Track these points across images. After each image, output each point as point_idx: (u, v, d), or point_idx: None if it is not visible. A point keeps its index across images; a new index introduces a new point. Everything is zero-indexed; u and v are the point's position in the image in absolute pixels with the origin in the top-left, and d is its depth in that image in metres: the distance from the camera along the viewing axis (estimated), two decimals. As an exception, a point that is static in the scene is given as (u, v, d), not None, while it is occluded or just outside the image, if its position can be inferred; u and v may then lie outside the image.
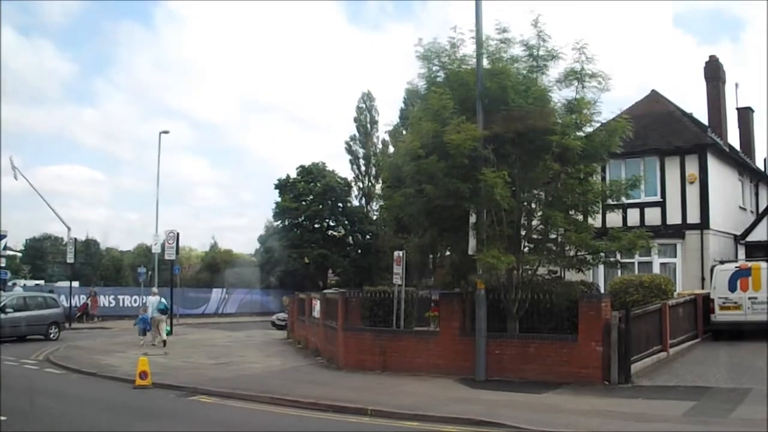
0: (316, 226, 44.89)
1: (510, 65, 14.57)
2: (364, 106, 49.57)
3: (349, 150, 49.52)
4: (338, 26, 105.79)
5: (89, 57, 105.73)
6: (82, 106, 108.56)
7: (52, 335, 25.15)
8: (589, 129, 14.75)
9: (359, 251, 45.74)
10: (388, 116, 69.82)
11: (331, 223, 45.90)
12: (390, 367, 15.42)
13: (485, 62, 14.98)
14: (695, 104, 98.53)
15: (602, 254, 14.45)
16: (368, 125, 49.45)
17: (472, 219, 14.44)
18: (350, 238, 45.99)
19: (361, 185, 49.21)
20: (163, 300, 24.41)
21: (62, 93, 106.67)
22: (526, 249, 15.07)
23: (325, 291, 35.98)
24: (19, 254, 59.97)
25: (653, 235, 15.13)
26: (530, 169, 14.45)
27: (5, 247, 37.32)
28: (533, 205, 14.96)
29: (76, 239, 32.06)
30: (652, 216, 21.80)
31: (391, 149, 50.03)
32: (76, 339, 25.39)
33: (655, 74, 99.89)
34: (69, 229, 59.94)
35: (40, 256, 64.57)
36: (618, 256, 15.01)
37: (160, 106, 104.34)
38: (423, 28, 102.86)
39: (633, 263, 20.51)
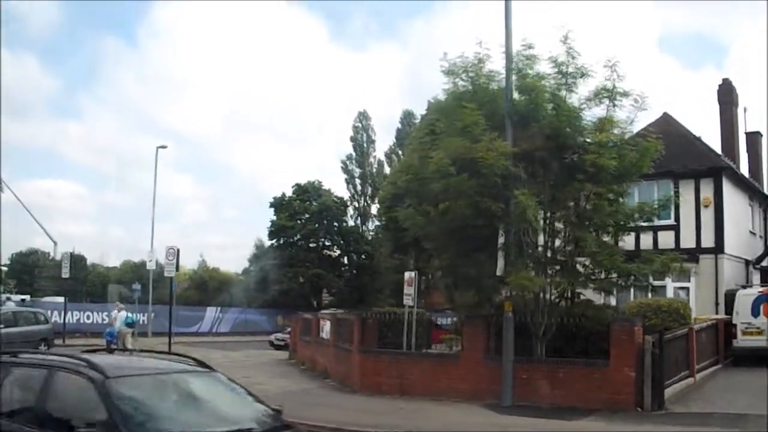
0: (311, 245, 44.29)
1: (537, 82, 14.27)
2: (360, 125, 49.40)
3: (345, 169, 49.23)
4: (320, 44, 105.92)
5: (73, 72, 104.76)
6: (65, 120, 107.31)
7: (41, 353, 24.26)
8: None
9: (354, 271, 45.14)
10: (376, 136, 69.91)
11: (327, 243, 45.31)
12: (409, 391, 14.84)
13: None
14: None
15: (632, 277, 14.06)
16: (365, 144, 49.19)
17: (501, 239, 14.00)
18: (345, 258, 45.43)
19: (357, 205, 48.80)
20: (129, 314, 24.70)
21: (46, 107, 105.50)
22: (550, 271, 14.67)
23: (324, 311, 35.41)
24: (5, 268, 58.59)
25: (687, 258, 14.77)
26: (559, 189, 14.10)
27: (11, 260, 36.55)
28: (560, 226, 14.56)
29: (71, 254, 31.19)
30: (666, 239, 21.50)
31: (387, 169, 49.88)
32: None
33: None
34: (55, 243, 58.48)
35: (27, 271, 63.28)
36: (650, 279, 14.60)
37: (145, 122, 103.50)
38: (407, 48, 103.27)
39: (647, 287, 20.19)
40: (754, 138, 27.00)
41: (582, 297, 14.80)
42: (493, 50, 14.68)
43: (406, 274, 19.49)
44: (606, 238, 14.69)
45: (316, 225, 43.82)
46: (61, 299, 38.90)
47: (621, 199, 14.47)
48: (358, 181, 48.88)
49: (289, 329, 33.38)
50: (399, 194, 37.82)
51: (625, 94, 14.00)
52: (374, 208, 48.27)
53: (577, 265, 14.38)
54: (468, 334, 14.68)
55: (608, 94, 14.08)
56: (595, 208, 14.08)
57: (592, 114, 14.56)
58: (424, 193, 14.96)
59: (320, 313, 22.26)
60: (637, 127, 19.38)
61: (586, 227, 13.93)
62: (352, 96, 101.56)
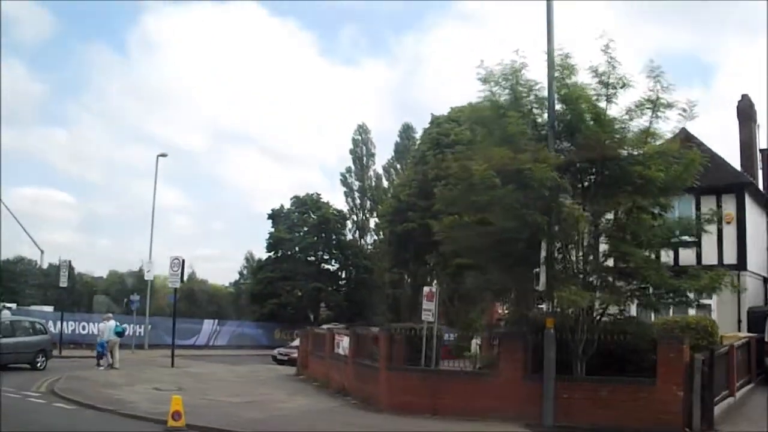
0: (310, 258, 43.58)
1: (581, 91, 13.88)
2: (359, 138, 49.04)
3: (345, 182, 48.76)
4: (309, 58, 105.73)
5: (60, 79, 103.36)
6: (52, 128, 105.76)
7: (39, 364, 23.08)
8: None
9: (353, 286, 44.47)
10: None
11: (325, 256, 44.63)
12: (442, 411, 14.22)
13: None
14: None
15: (678, 294, 13.64)
16: (364, 158, 48.75)
17: (542, 253, 13.52)
18: (343, 272, 44.77)
19: (355, 218, 48.26)
20: (118, 324, 24.83)
21: (33, 114, 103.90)
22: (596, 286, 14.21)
23: (326, 326, 34.72)
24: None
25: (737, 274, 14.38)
26: (601, 202, 13.69)
27: (6, 268, 35.45)
28: (601, 240, 14.14)
29: (70, 262, 30.27)
30: (687, 256, 21.12)
31: (386, 183, 49.50)
32: (68, 369, 23.43)
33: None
34: (42, 252, 57.17)
35: (13, 279, 61.72)
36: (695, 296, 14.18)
37: (133, 132, 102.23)
38: (397, 63, 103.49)
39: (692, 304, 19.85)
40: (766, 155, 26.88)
41: (626, 314, 14.34)
42: (519, 59, 14.33)
43: (425, 289, 19.01)
44: (645, 254, 14.27)
45: (315, 238, 43.21)
46: (48, 308, 37.88)
47: (664, 213, 14.08)
48: (357, 194, 48.38)
49: (292, 344, 32.67)
50: (401, 208, 37.66)
51: (669, 106, 13.65)
52: (372, 222, 47.94)
53: (622, 281, 13.94)
54: (505, 352, 14.13)
55: (651, 106, 13.73)
56: (638, 222, 13.71)
57: (633, 125, 14.22)
58: (463, 204, 14.44)
59: (336, 328, 21.59)
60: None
61: (630, 242, 13.49)
62: (342, 110, 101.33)
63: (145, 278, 34.53)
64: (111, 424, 13.45)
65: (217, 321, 40.00)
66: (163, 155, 34.10)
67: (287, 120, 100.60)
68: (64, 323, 31.55)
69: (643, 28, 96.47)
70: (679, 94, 13.49)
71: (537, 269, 14.79)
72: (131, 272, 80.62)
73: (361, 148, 48.83)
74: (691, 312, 20.67)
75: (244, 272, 67.31)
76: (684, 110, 13.18)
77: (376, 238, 47.73)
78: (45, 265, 68.12)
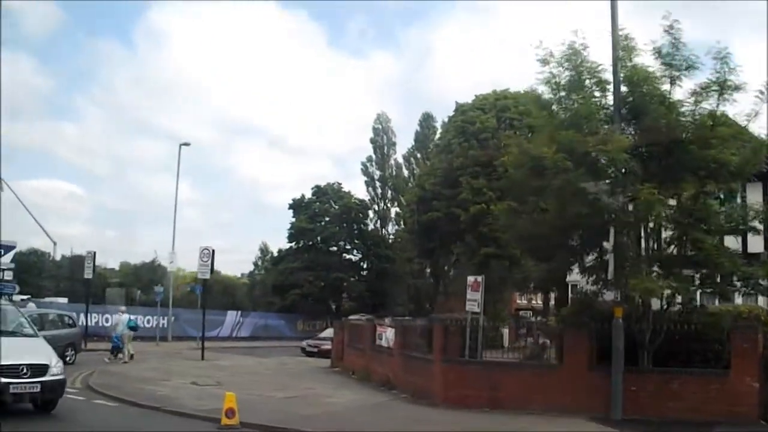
0: (332, 248, 43.13)
1: (648, 73, 13.33)
2: (380, 127, 48.38)
3: (365, 171, 48.15)
4: (317, 50, 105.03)
5: (68, 72, 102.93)
6: (61, 121, 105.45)
7: (68, 358, 22.45)
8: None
9: (375, 276, 43.98)
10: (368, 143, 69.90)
11: (347, 246, 44.19)
12: (501, 404, 13.77)
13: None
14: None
15: (752, 281, 13.13)
16: (385, 147, 48.16)
17: (611, 240, 13.04)
18: (366, 262, 44.26)
19: (376, 208, 47.70)
20: (132, 318, 24.75)
21: (41, 107, 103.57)
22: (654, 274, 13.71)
23: (353, 317, 34.33)
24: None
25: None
26: (668, 186, 13.15)
27: (13, 260, 35.02)
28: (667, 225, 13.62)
29: (94, 254, 29.80)
30: (755, 244, 20.49)
31: (405, 172, 48.98)
32: (95, 363, 23.06)
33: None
34: (55, 244, 56.83)
35: (26, 270, 61.33)
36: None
37: (141, 124, 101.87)
38: (403, 55, 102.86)
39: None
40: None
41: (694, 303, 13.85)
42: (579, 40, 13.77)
43: (470, 278, 18.58)
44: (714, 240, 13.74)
45: (337, 228, 42.73)
46: (63, 300, 37.44)
47: (732, 199, 13.56)
48: (378, 183, 47.81)
49: (320, 335, 32.34)
50: (426, 197, 37.20)
51: (737, 88, 13.09)
52: (393, 212, 47.52)
53: (691, 268, 13.44)
54: (569, 343, 13.66)
55: (718, 88, 13.16)
56: (706, 208, 13.19)
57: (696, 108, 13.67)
58: (522, 190, 13.92)
59: (378, 319, 21.17)
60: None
61: (700, 228, 12.97)
62: (350, 101, 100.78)
63: (168, 269, 34.19)
64: (162, 423, 13.00)
65: (240, 312, 39.62)
66: (186, 144, 33.72)
67: (296, 111, 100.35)
68: (90, 315, 31.25)
69: (650, 21, 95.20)
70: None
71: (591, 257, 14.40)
72: (144, 264, 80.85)
73: (382, 137, 48.22)
74: (737, 301, 20.22)
75: (259, 263, 66.94)
76: (761, 92, 12.55)
77: (397, 227, 47.22)
78: (58, 257, 68.24)
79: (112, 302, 48.70)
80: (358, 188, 49.41)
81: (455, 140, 35.99)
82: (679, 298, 13.67)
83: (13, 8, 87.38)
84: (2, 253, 34.29)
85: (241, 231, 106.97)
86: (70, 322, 23.94)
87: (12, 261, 35.25)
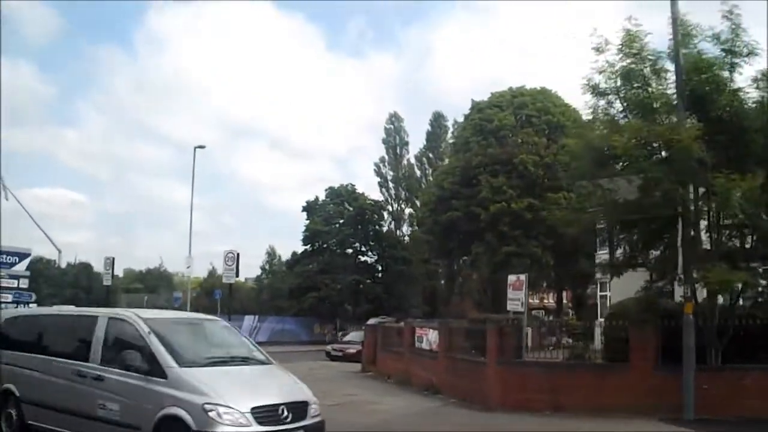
0: (348, 251, 42.58)
1: (714, 60, 12.84)
2: (392, 127, 47.78)
3: (378, 172, 47.57)
4: (316, 52, 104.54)
5: (69, 78, 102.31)
6: (62, 127, 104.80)
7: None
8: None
9: (391, 277, 43.39)
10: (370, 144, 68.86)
11: (363, 248, 43.64)
12: (565, 407, 13.21)
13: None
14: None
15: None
16: (397, 147, 47.58)
17: (680, 231, 12.51)
18: (381, 264, 43.64)
19: (390, 209, 47.16)
20: None
21: (42, 114, 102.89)
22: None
23: (374, 320, 33.74)
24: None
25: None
26: (739, 177, 12.64)
27: (28, 268, 34.36)
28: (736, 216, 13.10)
29: (113, 260, 29.23)
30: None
31: (418, 173, 48.43)
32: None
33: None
34: (60, 251, 56.25)
35: (34, 279, 60.54)
36: None
37: (142, 129, 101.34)
38: (404, 54, 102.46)
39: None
40: None
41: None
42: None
43: (511, 277, 18.09)
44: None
45: (352, 230, 42.18)
46: (69, 308, 36.81)
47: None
48: (391, 184, 47.24)
49: (344, 339, 31.77)
50: (444, 197, 36.67)
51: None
52: (407, 212, 47.03)
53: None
54: (635, 342, 13.12)
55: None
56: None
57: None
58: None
59: (415, 321, 20.63)
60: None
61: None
62: (350, 102, 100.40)
63: (185, 274, 33.66)
64: None
65: (257, 317, 39.02)
66: (201, 147, 33.18)
67: (296, 113, 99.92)
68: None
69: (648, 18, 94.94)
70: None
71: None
72: (150, 270, 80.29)
73: (394, 137, 47.66)
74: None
75: (266, 267, 66.30)
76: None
77: (410, 228, 46.72)
78: (63, 265, 67.60)
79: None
80: (361, 189, 48.55)
81: (473, 138, 35.49)
82: (744, 292, 13.23)
83: (13, 15, 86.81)
84: (17, 260, 33.81)
85: (243, 234, 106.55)
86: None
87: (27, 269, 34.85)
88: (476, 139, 35.41)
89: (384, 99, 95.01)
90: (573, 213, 14.59)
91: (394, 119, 47.80)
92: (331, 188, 44.28)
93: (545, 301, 53.79)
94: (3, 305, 32.19)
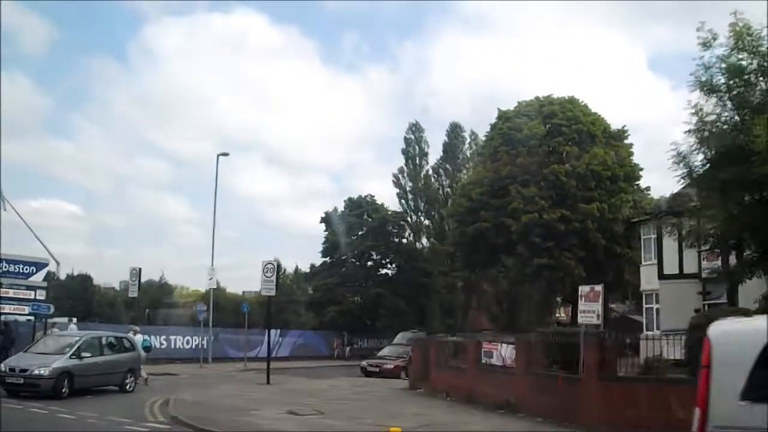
0: (369, 263, 41.53)
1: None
2: (412, 137, 46.89)
3: (397, 183, 46.57)
4: (311, 66, 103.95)
5: (65, 91, 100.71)
6: (58, 140, 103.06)
7: (128, 386, 20.61)
8: None
9: (413, 290, 42.28)
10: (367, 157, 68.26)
11: (384, 260, 42.62)
12: (678, 426, 12.22)
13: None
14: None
15: None
16: (417, 157, 46.72)
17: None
18: (402, 276, 42.51)
19: (409, 220, 46.13)
20: (146, 338, 23.83)
21: (38, 127, 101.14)
22: None
23: (406, 333, 32.73)
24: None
25: None
26: None
27: (45, 278, 32.93)
28: None
29: (140, 270, 27.96)
30: None
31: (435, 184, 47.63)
32: (157, 389, 21.18)
33: (633, 117, 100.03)
34: (58, 264, 54.74)
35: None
36: None
37: (138, 142, 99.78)
38: (400, 69, 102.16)
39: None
40: None
41: None
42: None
43: (583, 288, 17.19)
44: None
45: (373, 241, 41.16)
46: (73, 321, 35.38)
47: None
48: (410, 195, 46.29)
49: (378, 354, 30.68)
50: (473, 208, 35.81)
51: None
52: (426, 224, 46.12)
53: None
54: None
55: None
56: None
57: None
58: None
59: (480, 336, 19.63)
60: None
61: None
62: (346, 116, 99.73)
63: (207, 287, 32.44)
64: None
65: (279, 331, 37.72)
66: (225, 154, 32.17)
67: (293, 128, 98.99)
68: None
69: (645, 26, 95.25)
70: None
71: None
72: (151, 282, 78.58)
73: (414, 147, 46.79)
74: None
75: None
76: None
77: (432, 240, 45.76)
78: (63, 276, 65.99)
79: (120, 320, 46.65)
80: (386, 200, 47.65)
81: (502, 148, 34.70)
82: None
83: (9, 27, 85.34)
84: (34, 270, 32.38)
85: (241, 248, 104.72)
86: (129, 345, 21.97)
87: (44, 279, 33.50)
88: (505, 149, 34.63)
89: (380, 112, 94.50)
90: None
91: (414, 129, 46.98)
92: (349, 199, 43.40)
93: (557, 315, 52.95)
94: (19, 318, 30.96)
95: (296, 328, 40.81)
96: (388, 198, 46.19)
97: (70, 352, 18.83)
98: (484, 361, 17.85)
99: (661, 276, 26.22)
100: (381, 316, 42.30)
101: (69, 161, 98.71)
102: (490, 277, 43.97)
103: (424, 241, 45.84)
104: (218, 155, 31.68)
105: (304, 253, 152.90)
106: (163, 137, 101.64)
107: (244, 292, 71.53)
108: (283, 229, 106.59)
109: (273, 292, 23.10)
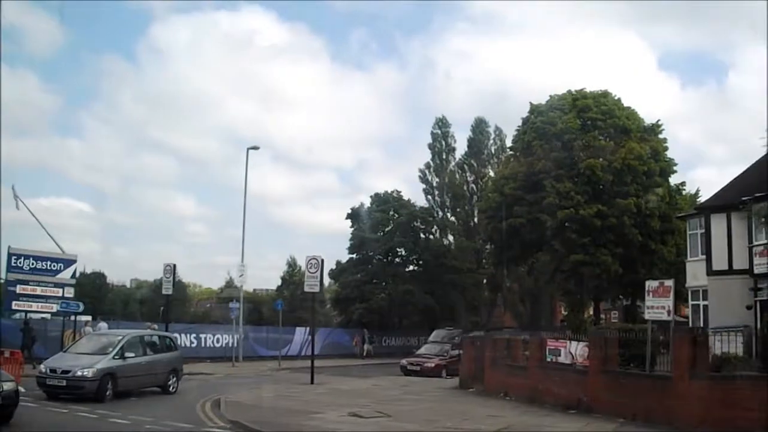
0: (397, 260, 40.89)
1: None
2: (439, 132, 46.17)
3: (423, 179, 45.85)
4: (322, 63, 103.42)
5: (73, 89, 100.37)
6: (67, 138, 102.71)
7: (171, 387, 19.90)
8: None
9: (441, 287, 41.60)
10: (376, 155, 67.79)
11: (412, 257, 41.99)
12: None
13: None
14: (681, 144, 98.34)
15: None
16: (444, 153, 46.00)
17: None
18: (430, 273, 41.80)
19: (436, 216, 45.42)
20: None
21: (47, 125, 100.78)
22: None
23: (441, 331, 32.09)
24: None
25: None
26: None
27: (73, 276, 32.22)
28: None
29: (174, 266, 27.25)
30: None
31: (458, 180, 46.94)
32: (197, 389, 20.52)
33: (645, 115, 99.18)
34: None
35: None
36: None
37: (146, 140, 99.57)
38: (407, 66, 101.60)
39: None
40: None
41: None
42: None
43: (650, 284, 16.69)
44: None
45: (402, 238, 40.53)
46: (85, 318, 34.81)
47: None
48: (436, 191, 45.58)
49: (418, 352, 30.07)
50: (506, 203, 35.14)
51: None
52: (451, 219, 45.47)
53: None
54: None
55: None
56: None
57: None
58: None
59: (546, 333, 18.99)
60: None
61: None
62: (353, 113, 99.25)
63: (238, 284, 31.82)
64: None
65: (307, 329, 37.03)
66: (255, 148, 31.55)
67: (301, 125, 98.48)
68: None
69: (653, 26, 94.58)
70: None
71: None
72: (159, 279, 78.14)
73: (441, 142, 46.07)
74: None
75: (287, 278, 64.48)
76: None
77: (457, 236, 45.08)
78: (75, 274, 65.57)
79: (134, 318, 46.01)
80: (412, 195, 46.97)
81: (536, 142, 34.00)
82: None
83: (17, 27, 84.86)
84: (62, 267, 31.63)
85: (250, 246, 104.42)
86: (171, 344, 21.30)
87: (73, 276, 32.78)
88: (539, 143, 33.92)
89: (389, 109, 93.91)
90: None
91: (441, 124, 46.22)
92: (376, 195, 42.73)
93: (563, 312, 52.21)
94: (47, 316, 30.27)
95: (322, 326, 40.11)
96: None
97: (113, 353, 18.00)
98: (549, 359, 17.18)
99: (710, 272, 25.51)
100: (409, 313, 41.66)
101: (77, 159, 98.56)
102: (516, 274, 43.38)
103: (450, 237, 45.09)
104: (248, 149, 31.13)
105: (312, 250, 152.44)
106: (171, 135, 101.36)
107: (255, 290, 71.66)
108: (289, 228, 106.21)
109: (317, 289, 22.43)
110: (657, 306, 15.81)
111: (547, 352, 17.38)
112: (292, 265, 64.38)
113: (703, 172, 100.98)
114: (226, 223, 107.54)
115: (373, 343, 39.40)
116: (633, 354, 15.40)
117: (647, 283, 16.88)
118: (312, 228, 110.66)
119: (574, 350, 16.27)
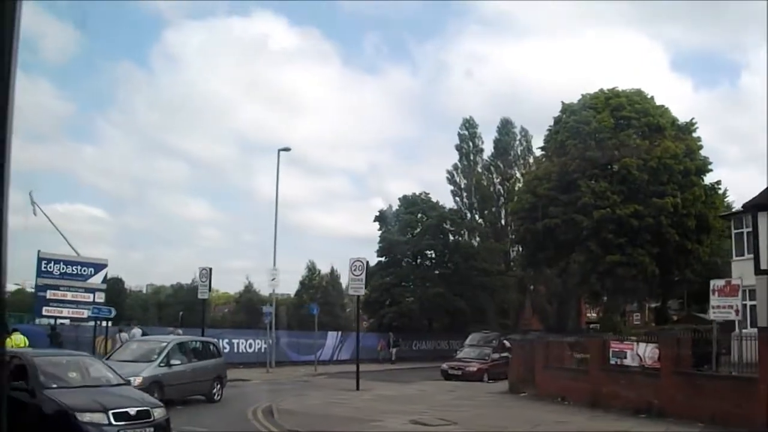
0: (427, 263, 40.39)
1: None
2: (466, 133, 45.64)
3: (451, 180, 45.37)
4: (334, 67, 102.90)
5: (87, 95, 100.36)
6: (81, 144, 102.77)
7: (215, 395, 19.35)
8: None
9: (472, 290, 41.02)
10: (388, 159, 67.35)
11: (441, 259, 41.50)
12: None
13: None
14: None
15: None
16: (471, 154, 45.51)
17: None
18: (460, 275, 41.26)
19: (465, 218, 44.89)
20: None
21: (61, 131, 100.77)
22: None
23: (477, 335, 31.57)
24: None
25: None
26: None
27: (104, 280, 31.91)
28: None
29: (211, 269, 26.77)
30: None
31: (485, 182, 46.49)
32: (239, 397, 20.01)
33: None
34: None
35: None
36: None
37: (160, 145, 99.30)
38: (419, 70, 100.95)
39: None
40: None
41: None
42: None
43: (716, 282, 16.28)
44: None
45: (432, 240, 40.05)
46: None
47: None
48: (464, 193, 45.08)
49: (457, 355, 29.54)
50: (539, 204, 34.59)
51: None
52: (479, 221, 44.99)
53: None
54: None
55: None
56: None
57: None
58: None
59: (606, 336, 18.46)
60: None
61: None
62: (366, 117, 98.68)
63: (270, 287, 31.37)
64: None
65: (339, 334, 36.53)
66: (286, 149, 31.16)
67: (314, 130, 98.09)
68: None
69: (663, 26, 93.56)
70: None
71: None
72: (182, 285, 77.93)
73: (468, 143, 45.58)
74: None
75: (306, 282, 64.10)
76: None
77: (481, 239, 44.55)
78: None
79: (152, 323, 45.58)
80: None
81: (570, 142, 33.44)
82: None
83: (32, 34, 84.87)
84: (93, 272, 31.30)
85: (263, 251, 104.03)
86: (214, 350, 20.86)
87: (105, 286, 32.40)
88: (572, 143, 33.37)
89: (401, 114, 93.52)
90: None
91: (468, 125, 45.69)
92: (404, 197, 42.30)
93: (588, 314, 51.43)
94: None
95: (350, 330, 39.59)
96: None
97: (159, 360, 17.65)
98: (613, 362, 16.65)
99: (758, 271, 24.85)
100: (439, 316, 41.13)
101: (92, 165, 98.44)
102: (544, 276, 42.76)
103: (478, 239, 44.56)
104: (279, 150, 30.61)
105: (326, 254, 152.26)
106: (184, 140, 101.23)
107: (271, 294, 71.39)
108: (303, 231, 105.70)
109: (362, 291, 22.03)
110: (723, 305, 15.43)
111: (610, 355, 16.86)
112: (311, 269, 64.16)
113: (717, 172, 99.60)
114: (239, 228, 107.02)
115: (398, 346, 38.68)
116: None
117: (712, 282, 16.46)
118: (326, 231, 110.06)
119: (643, 352, 15.73)
